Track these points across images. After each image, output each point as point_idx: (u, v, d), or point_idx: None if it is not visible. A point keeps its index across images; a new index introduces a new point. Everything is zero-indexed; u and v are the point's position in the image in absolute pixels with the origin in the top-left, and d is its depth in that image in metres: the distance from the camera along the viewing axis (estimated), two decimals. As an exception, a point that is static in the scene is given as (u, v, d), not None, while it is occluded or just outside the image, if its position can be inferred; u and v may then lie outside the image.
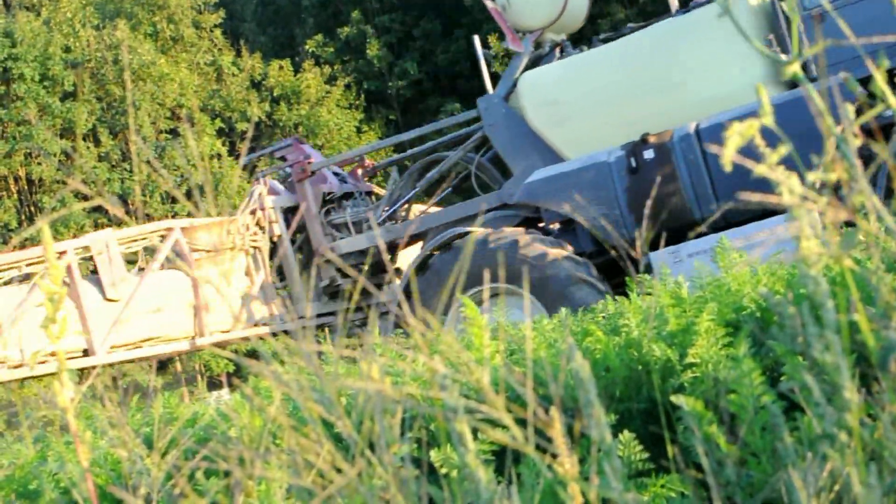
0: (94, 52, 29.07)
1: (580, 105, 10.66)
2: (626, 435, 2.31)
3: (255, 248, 12.45)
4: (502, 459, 2.12)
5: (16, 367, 10.83)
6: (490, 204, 10.93)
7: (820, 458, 1.58)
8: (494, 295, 9.95)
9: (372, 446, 1.46)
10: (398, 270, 13.35)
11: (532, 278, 9.74)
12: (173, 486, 2.09)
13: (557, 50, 11.70)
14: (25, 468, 3.87)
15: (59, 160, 26.67)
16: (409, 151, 13.53)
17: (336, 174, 13.30)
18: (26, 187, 29.20)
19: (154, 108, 28.93)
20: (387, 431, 1.44)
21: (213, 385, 28.66)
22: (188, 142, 25.23)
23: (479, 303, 9.28)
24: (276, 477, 1.62)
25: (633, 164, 9.79)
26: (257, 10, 37.88)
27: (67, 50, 28.93)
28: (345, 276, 12.42)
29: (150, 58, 28.97)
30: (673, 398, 2.13)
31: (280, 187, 13.08)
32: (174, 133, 29.73)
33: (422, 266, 10.68)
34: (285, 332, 12.07)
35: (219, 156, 29.60)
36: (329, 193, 12.98)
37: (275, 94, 32.10)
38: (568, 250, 9.88)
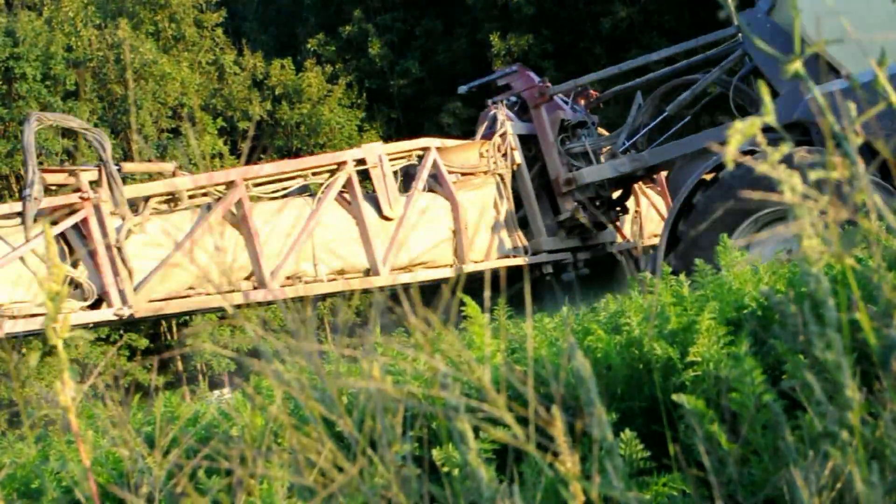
0: (95, 51, 29.09)
1: (866, 16, 9.37)
2: (628, 433, 2.31)
3: (499, 175, 11.88)
4: (504, 458, 2.12)
5: (311, 281, 10.31)
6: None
7: (821, 457, 1.58)
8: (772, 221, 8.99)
9: (373, 445, 1.46)
10: (624, 209, 12.65)
11: None
12: (175, 485, 2.09)
13: None
14: (27, 467, 3.87)
15: (61, 159, 26.67)
16: (639, 80, 12.62)
17: (565, 102, 12.59)
18: (28, 186, 29.19)
19: (156, 107, 28.95)
20: (388, 430, 1.44)
21: (215, 384, 28.67)
22: (190, 141, 25.25)
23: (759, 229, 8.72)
24: (277, 476, 1.62)
25: None
26: (259, 9, 37.90)
27: (69, 49, 28.94)
28: (585, 209, 11.79)
29: (152, 57, 28.98)
30: (674, 397, 2.13)
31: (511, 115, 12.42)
32: (176, 132, 29.74)
33: (686, 206, 9.53)
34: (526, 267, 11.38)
35: (220, 155, 29.61)
36: (564, 121, 12.34)
37: (276, 93, 32.10)
38: None
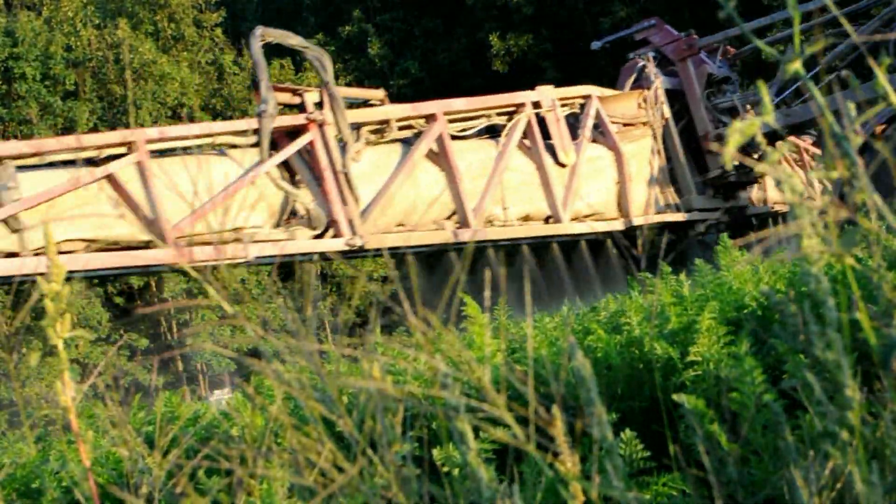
0: (95, 51, 29.07)
1: None
2: (628, 433, 2.31)
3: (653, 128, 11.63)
4: (504, 458, 2.12)
5: (503, 225, 10.02)
6: None
7: (822, 457, 1.58)
8: None
9: (374, 445, 1.46)
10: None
11: None
12: (174, 486, 2.09)
13: None
14: (27, 467, 3.87)
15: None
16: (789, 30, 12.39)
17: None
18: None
19: (155, 107, 28.93)
20: (388, 430, 1.44)
21: (215, 384, 28.66)
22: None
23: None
24: (277, 476, 1.62)
25: None
26: (258, 8, 37.90)
27: (69, 49, 28.93)
28: (736, 168, 11.38)
29: (152, 57, 28.97)
30: (674, 396, 2.13)
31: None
32: (175, 132, 29.72)
33: None
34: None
35: (220, 155, 29.57)
36: (711, 76, 12.04)
37: (276, 93, 32.07)
38: None
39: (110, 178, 8.37)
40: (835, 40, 10.97)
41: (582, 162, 10.75)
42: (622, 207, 11.10)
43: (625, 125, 11.48)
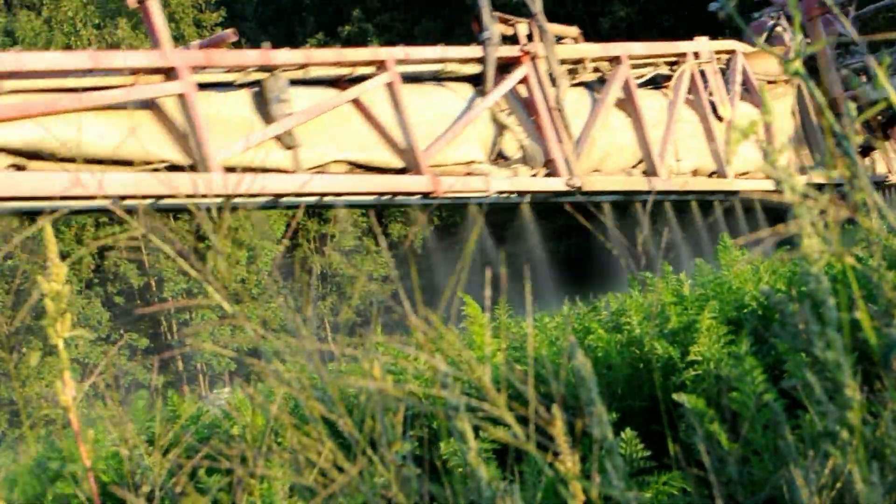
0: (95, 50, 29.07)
1: None
2: (629, 432, 2.31)
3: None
4: (504, 458, 2.12)
5: (679, 176, 9.62)
6: None
7: (822, 456, 1.58)
8: None
9: (374, 444, 1.45)
10: (886, 136, 12.08)
11: None
12: (175, 484, 2.09)
13: None
14: (28, 467, 3.87)
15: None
16: None
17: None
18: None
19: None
20: (388, 430, 1.44)
21: (215, 384, 28.68)
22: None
23: None
24: (277, 475, 1.62)
25: None
26: (258, 8, 37.89)
27: (68, 48, 28.93)
28: (872, 132, 11.10)
29: (152, 56, 28.96)
30: (675, 396, 2.13)
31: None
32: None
33: None
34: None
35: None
36: (840, 36, 11.76)
37: (276, 93, 32.06)
38: None
39: (359, 101, 8.04)
40: None
41: (736, 118, 10.51)
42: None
43: (768, 83, 11.27)
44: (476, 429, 1.39)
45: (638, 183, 9.26)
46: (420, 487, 1.44)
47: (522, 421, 1.31)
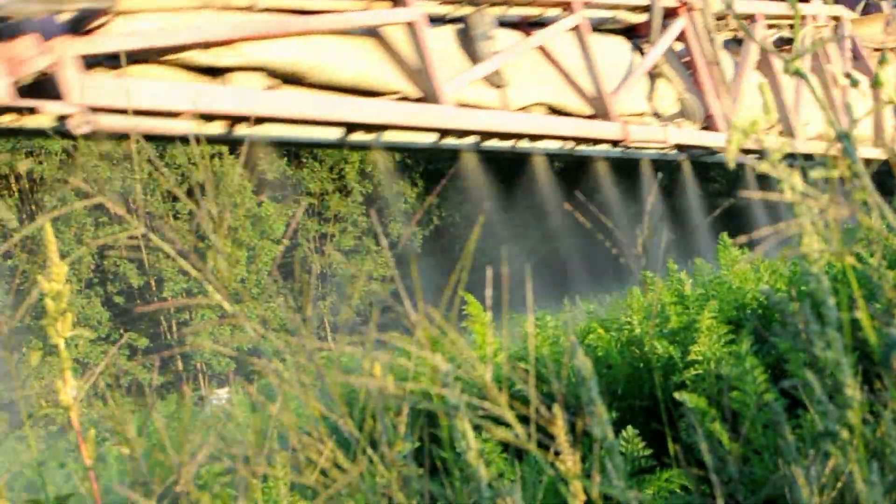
0: (95, 50, 29.08)
1: None
2: (629, 431, 2.31)
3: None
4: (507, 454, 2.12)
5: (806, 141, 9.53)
6: None
7: (822, 456, 1.58)
8: None
9: (374, 444, 1.46)
10: None
11: None
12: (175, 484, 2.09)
13: None
14: (29, 467, 3.88)
15: (60, 159, 26.65)
16: None
17: None
18: (27, 186, 29.19)
19: (155, 106, 28.94)
20: (389, 429, 1.44)
21: (222, 384, 28.71)
22: (190, 140, 25.20)
23: None
24: (279, 475, 1.62)
25: None
26: (258, 8, 37.87)
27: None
28: None
29: (152, 56, 28.96)
30: (675, 395, 2.13)
31: None
32: (175, 131, 29.73)
33: None
34: None
35: (220, 154, 29.60)
36: None
37: (276, 93, 32.06)
38: None
39: (544, 47, 7.87)
40: None
41: (848, 85, 10.46)
42: (877, 136, 10.72)
43: (874, 50, 11.16)
44: (477, 428, 1.39)
45: (803, 146, 9.13)
46: (421, 487, 1.44)
47: (523, 420, 1.32)
